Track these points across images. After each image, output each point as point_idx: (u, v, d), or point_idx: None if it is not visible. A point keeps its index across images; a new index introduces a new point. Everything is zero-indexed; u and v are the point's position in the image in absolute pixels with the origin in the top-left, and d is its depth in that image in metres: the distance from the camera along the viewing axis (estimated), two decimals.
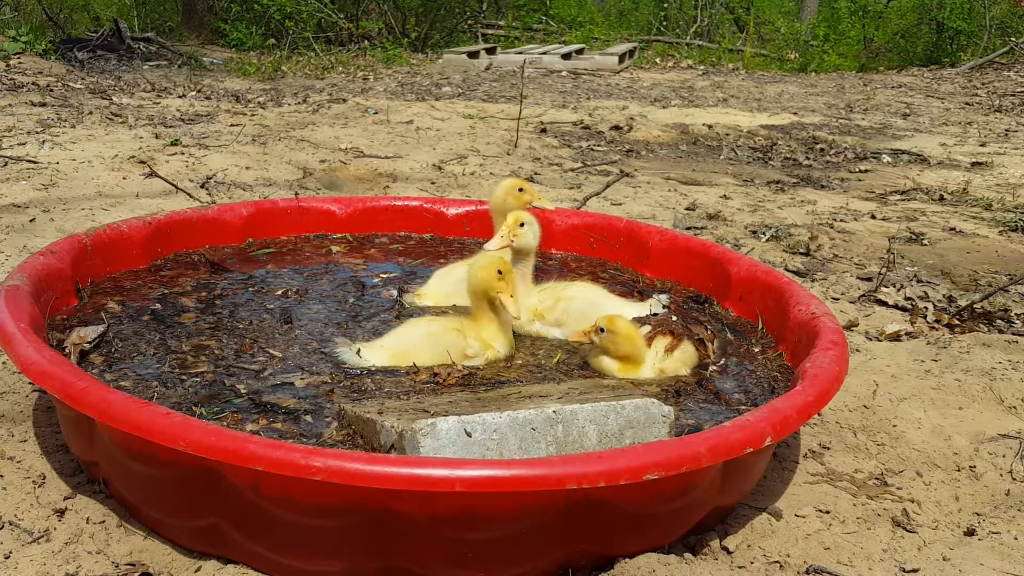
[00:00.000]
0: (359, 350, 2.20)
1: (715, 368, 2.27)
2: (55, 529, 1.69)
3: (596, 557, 1.63)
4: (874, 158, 6.58)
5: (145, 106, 6.87)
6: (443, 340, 2.21)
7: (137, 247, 2.74)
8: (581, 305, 2.45)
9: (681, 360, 2.25)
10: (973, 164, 6.44)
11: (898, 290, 3.39)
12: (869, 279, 3.57)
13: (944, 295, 3.42)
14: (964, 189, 5.48)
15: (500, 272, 2.22)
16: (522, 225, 2.42)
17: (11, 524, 1.70)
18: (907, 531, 1.87)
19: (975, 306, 3.22)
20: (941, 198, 5.29)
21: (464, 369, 2.15)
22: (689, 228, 4.17)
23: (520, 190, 2.67)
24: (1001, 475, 2.11)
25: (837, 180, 5.74)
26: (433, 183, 4.85)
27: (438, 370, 2.13)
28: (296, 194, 4.32)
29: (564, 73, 11.92)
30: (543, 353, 2.33)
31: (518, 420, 1.66)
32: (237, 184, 4.47)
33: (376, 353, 2.19)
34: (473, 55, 12.46)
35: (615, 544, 1.63)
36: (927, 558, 1.77)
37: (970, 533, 1.88)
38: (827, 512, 1.90)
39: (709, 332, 2.36)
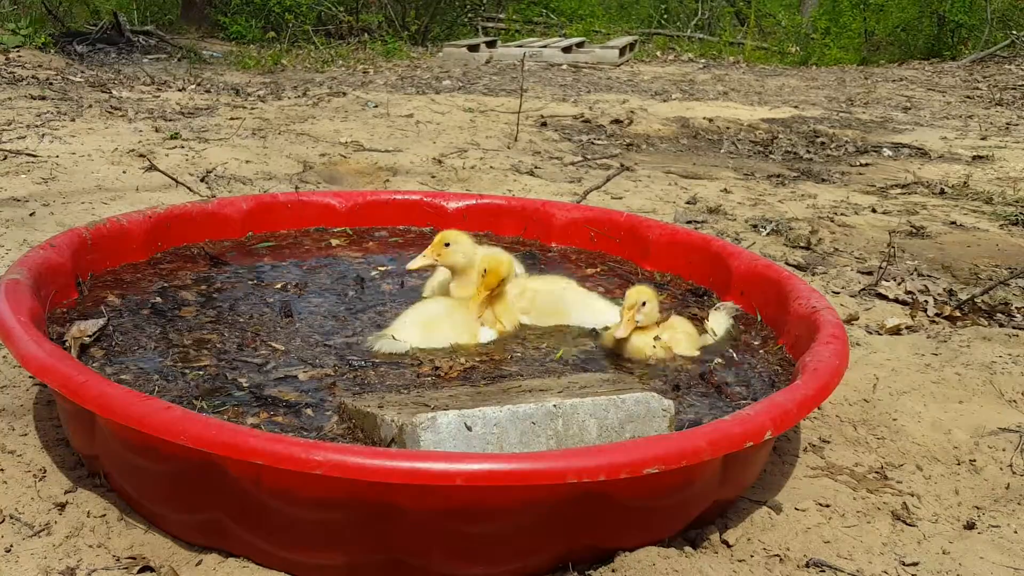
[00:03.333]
0: (392, 336, 2.24)
1: (720, 362, 2.27)
2: (56, 523, 1.69)
3: (596, 550, 1.63)
4: (875, 152, 6.57)
5: (145, 99, 6.86)
6: (460, 313, 2.31)
7: (137, 241, 2.73)
8: (546, 297, 2.49)
9: (686, 337, 2.30)
10: (974, 158, 6.43)
11: (898, 284, 3.39)
12: (870, 273, 3.57)
13: (945, 289, 3.42)
14: (965, 183, 5.47)
15: (484, 272, 2.32)
16: (447, 245, 2.42)
17: (12, 518, 1.70)
18: (907, 524, 1.87)
19: (975, 300, 3.22)
20: (942, 192, 5.28)
21: (466, 361, 2.16)
22: (690, 222, 4.16)
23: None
24: (1001, 469, 2.11)
25: (838, 174, 5.74)
26: (433, 177, 4.84)
27: (440, 363, 2.14)
28: (296, 188, 4.32)
29: (564, 66, 11.90)
30: (545, 348, 2.33)
31: (518, 414, 1.66)
32: (237, 178, 4.47)
33: (408, 331, 2.24)
34: (473, 48, 12.43)
35: (615, 537, 1.63)
36: (927, 551, 1.78)
37: (970, 527, 1.88)
38: (827, 506, 1.90)
39: (704, 311, 2.39)
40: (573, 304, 2.48)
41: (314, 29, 13.48)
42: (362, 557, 1.55)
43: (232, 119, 6.10)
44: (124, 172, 4.40)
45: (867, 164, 6.12)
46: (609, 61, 12.52)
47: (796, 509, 1.87)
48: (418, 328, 2.26)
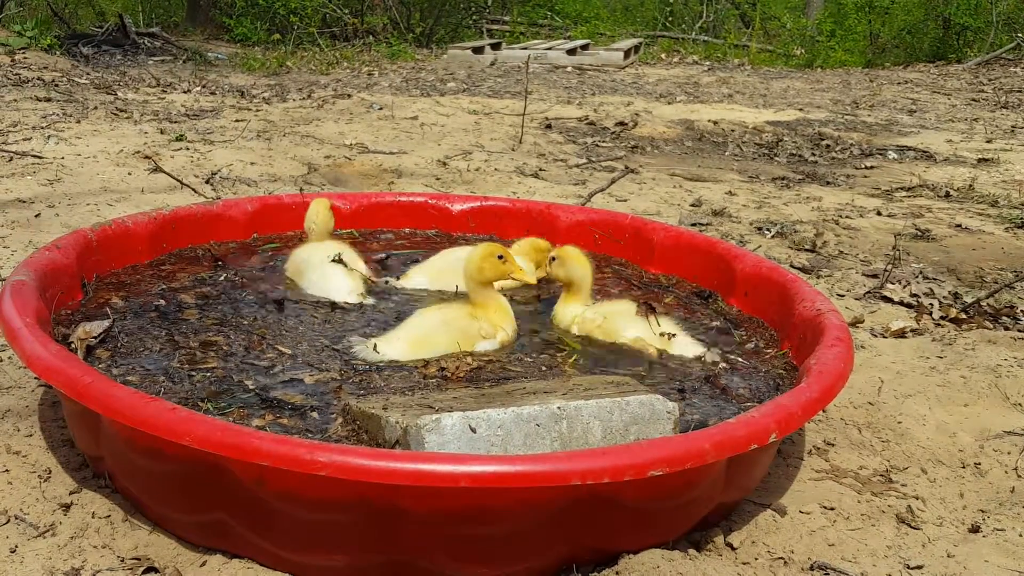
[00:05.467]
0: (375, 345, 2.20)
1: (723, 365, 2.27)
2: (61, 523, 1.70)
3: (600, 553, 1.63)
4: (880, 154, 6.56)
5: (150, 101, 6.88)
6: (457, 325, 2.26)
7: (142, 243, 2.74)
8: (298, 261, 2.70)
9: (613, 314, 2.39)
10: (979, 160, 6.42)
11: (904, 287, 3.39)
12: (875, 276, 3.57)
13: (950, 292, 3.41)
14: (970, 186, 5.46)
15: (501, 257, 2.32)
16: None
17: (17, 518, 1.71)
18: (912, 528, 1.87)
19: (981, 303, 3.22)
20: (947, 195, 5.27)
21: (472, 362, 2.16)
22: (694, 224, 4.16)
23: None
24: (1006, 472, 2.10)
25: (843, 176, 5.73)
26: (438, 179, 4.85)
27: (446, 364, 2.13)
28: (301, 190, 4.32)
29: (569, 69, 11.91)
30: (551, 350, 2.33)
31: (522, 416, 1.66)
32: (242, 180, 4.48)
33: (394, 346, 2.20)
34: (478, 51, 12.45)
35: (619, 540, 1.63)
36: (931, 555, 1.77)
37: (975, 530, 1.87)
38: (831, 509, 1.90)
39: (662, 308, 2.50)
40: (310, 271, 2.63)
41: (319, 31, 13.51)
42: (366, 559, 1.55)
43: (237, 121, 6.11)
44: (129, 174, 4.41)
45: (872, 167, 6.11)
46: (614, 63, 12.52)
47: (800, 512, 1.87)
48: (407, 343, 2.20)
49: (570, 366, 2.23)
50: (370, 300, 2.56)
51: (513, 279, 2.38)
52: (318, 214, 2.78)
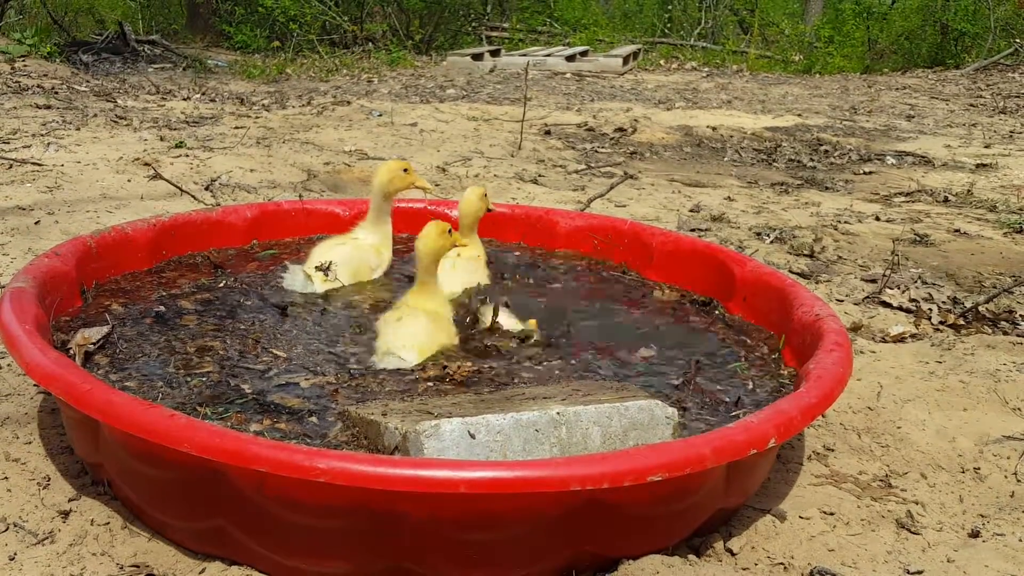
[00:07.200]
0: (399, 355, 2.19)
1: (699, 360, 2.27)
2: (60, 531, 1.70)
3: (600, 558, 1.63)
4: (878, 160, 6.57)
5: (150, 108, 6.89)
6: (440, 321, 2.32)
7: (142, 249, 2.74)
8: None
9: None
10: (978, 166, 6.43)
11: (902, 292, 3.39)
12: (873, 281, 3.57)
13: (949, 297, 3.41)
14: (969, 191, 5.47)
15: (405, 171, 2.77)
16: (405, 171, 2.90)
17: (16, 526, 1.70)
18: (911, 533, 1.86)
19: (979, 308, 3.22)
20: (946, 200, 5.28)
21: (472, 365, 2.16)
22: (693, 230, 4.16)
23: (404, 170, 2.89)
24: (1006, 477, 2.10)
25: (841, 182, 5.74)
26: (437, 185, 4.85)
27: (447, 364, 2.14)
28: (300, 196, 4.33)
29: (568, 75, 11.92)
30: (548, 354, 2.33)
31: (522, 422, 1.66)
32: (241, 186, 4.48)
33: (409, 354, 2.20)
34: (477, 57, 12.46)
35: (619, 545, 1.63)
36: (931, 560, 1.77)
37: (974, 535, 1.87)
38: (831, 514, 1.90)
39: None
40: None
41: (318, 38, 13.53)
42: (366, 565, 1.55)
43: (237, 128, 6.12)
44: (129, 181, 4.41)
45: (871, 172, 6.12)
46: (613, 70, 12.54)
47: (800, 517, 1.86)
48: (416, 351, 2.21)
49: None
50: (312, 288, 2.64)
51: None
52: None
